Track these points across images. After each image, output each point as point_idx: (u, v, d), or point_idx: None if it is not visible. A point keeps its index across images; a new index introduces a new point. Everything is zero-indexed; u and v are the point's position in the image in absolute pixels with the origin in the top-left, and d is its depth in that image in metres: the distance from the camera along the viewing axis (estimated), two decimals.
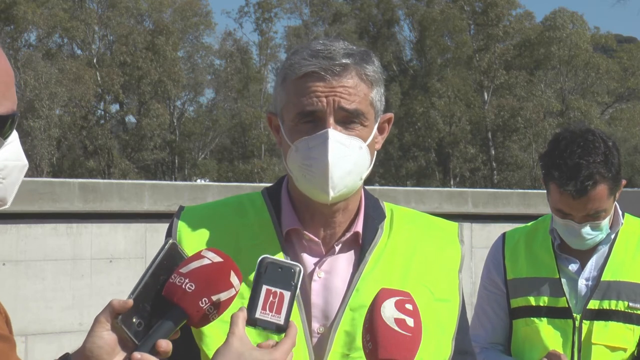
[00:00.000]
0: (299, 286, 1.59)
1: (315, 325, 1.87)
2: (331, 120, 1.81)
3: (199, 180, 40.71)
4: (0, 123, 1.58)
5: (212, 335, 1.82)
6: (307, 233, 1.90)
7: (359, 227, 1.93)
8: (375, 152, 1.92)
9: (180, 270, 1.58)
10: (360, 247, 1.92)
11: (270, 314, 1.56)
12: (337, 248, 1.91)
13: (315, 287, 1.88)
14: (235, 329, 1.54)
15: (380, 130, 1.93)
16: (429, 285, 1.91)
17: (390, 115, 1.95)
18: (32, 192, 5.90)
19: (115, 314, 1.56)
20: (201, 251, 1.62)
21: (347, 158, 1.81)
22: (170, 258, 1.63)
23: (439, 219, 2.08)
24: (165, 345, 1.55)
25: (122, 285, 6.12)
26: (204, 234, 1.90)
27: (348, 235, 1.92)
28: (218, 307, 1.58)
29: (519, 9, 49.49)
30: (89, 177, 38.69)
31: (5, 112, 1.58)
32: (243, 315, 1.56)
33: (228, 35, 50.57)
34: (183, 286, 1.56)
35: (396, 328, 1.63)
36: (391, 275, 1.90)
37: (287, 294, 1.57)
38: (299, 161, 1.83)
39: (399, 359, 1.61)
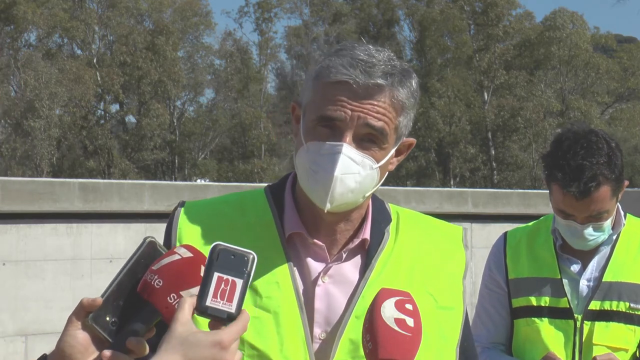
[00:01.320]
0: (252, 274, 1.55)
1: (317, 331, 1.84)
2: (349, 134, 1.77)
3: (199, 180, 40.71)
4: None
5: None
6: (313, 239, 1.87)
7: (366, 233, 1.90)
8: (387, 172, 1.88)
9: (152, 267, 1.58)
10: (367, 252, 1.89)
11: (222, 302, 1.51)
12: (345, 255, 1.88)
13: (319, 292, 1.85)
14: (179, 315, 1.50)
15: (398, 152, 1.89)
16: (432, 292, 1.89)
17: (412, 140, 1.91)
18: (32, 192, 5.90)
19: (85, 313, 1.55)
20: (174, 247, 1.62)
21: (354, 175, 1.78)
22: (148, 256, 1.62)
23: (444, 223, 2.05)
24: (135, 342, 1.53)
25: None
26: (205, 232, 1.88)
27: (356, 242, 1.89)
28: None
29: (519, 9, 49.56)
30: (89, 177, 38.69)
31: None
32: (191, 302, 1.51)
33: (228, 35, 50.62)
34: (152, 282, 1.55)
35: (396, 328, 1.62)
36: (397, 280, 1.86)
37: (239, 282, 1.52)
38: (307, 163, 1.80)
39: (398, 358, 1.61)
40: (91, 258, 6.14)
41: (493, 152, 46.58)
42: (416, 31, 50.00)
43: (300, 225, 1.88)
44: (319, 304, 1.85)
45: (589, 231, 2.75)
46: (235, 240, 1.79)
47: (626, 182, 2.78)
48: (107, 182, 6.53)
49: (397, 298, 1.66)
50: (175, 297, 1.55)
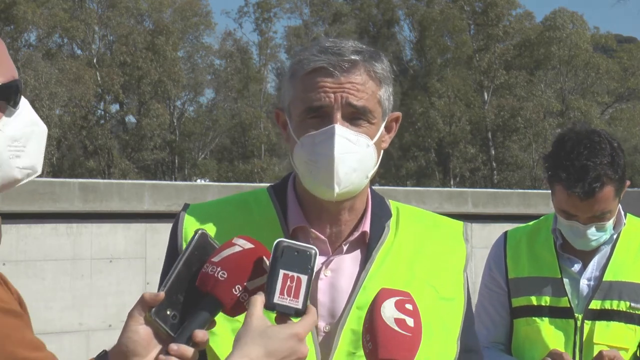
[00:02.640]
0: (315, 269, 1.59)
1: (322, 324, 1.86)
2: (338, 115, 1.80)
3: (199, 180, 40.71)
4: (6, 92, 1.57)
5: (221, 333, 1.81)
6: (314, 231, 1.89)
7: (366, 226, 1.92)
8: (382, 151, 1.91)
9: (212, 260, 1.59)
10: (367, 245, 1.91)
11: (289, 298, 1.55)
12: (345, 247, 1.91)
13: (322, 285, 1.88)
14: (253, 311, 1.54)
15: (388, 129, 1.93)
16: (434, 284, 1.91)
17: (397, 114, 1.94)
18: (32, 192, 5.90)
19: (147, 308, 1.57)
20: (232, 239, 1.63)
21: (353, 155, 1.80)
22: (201, 248, 1.63)
23: (445, 218, 2.08)
24: (202, 335, 1.56)
25: (121, 285, 6.12)
26: (210, 233, 1.87)
27: (356, 234, 1.91)
28: (253, 294, 1.58)
29: (519, 9, 49.51)
30: (89, 177, 38.68)
31: (7, 80, 1.58)
32: (262, 299, 1.56)
33: (228, 35, 50.60)
34: (215, 275, 1.57)
35: (396, 328, 1.63)
36: (397, 273, 1.89)
37: (304, 278, 1.56)
38: (305, 157, 1.82)
39: (399, 358, 1.61)
40: (91, 258, 6.13)
41: (493, 152, 46.57)
42: (416, 31, 49.97)
43: (303, 219, 1.91)
44: (322, 297, 1.87)
45: (591, 231, 2.75)
46: None
47: (628, 182, 2.78)
48: (107, 182, 6.53)
49: (397, 298, 1.67)
50: (240, 288, 1.57)
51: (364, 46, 1.88)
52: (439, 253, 1.96)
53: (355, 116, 1.82)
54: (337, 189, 1.80)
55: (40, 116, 1.67)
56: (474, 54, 47.56)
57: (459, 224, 2.06)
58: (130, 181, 7.44)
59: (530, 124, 44.96)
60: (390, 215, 1.98)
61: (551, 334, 2.80)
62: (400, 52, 50.87)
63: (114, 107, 47.23)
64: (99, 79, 43.09)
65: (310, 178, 1.84)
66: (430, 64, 48.65)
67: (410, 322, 1.64)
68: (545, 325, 2.82)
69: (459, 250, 2.00)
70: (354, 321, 1.84)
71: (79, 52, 46.28)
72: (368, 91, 1.83)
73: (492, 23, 47.09)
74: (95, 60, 44.24)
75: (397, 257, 1.92)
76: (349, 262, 1.91)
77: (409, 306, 1.67)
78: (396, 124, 1.95)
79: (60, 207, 6.02)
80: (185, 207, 1.97)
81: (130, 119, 47.13)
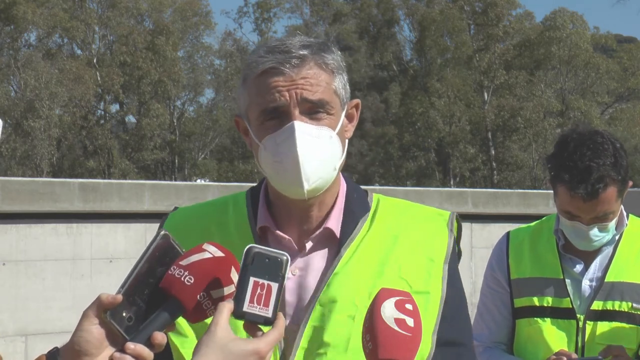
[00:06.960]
0: (286, 276, 1.55)
1: (288, 323, 1.82)
2: (296, 112, 1.79)
3: (199, 180, 40.70)
4: None
5: (191, 336, 1.81)
6: (278, 232, 1.88)
7: (330, 223, 1.89)
8: (347, 141, 1.89)
9: (180, 263, 1.56)
10: (338, 242, 1.88)
11: (258, 307, 1.52)
12: (308, 246, 1.88)
13: (290, 285, 1.85)
14: (219, 319, 1.51)
15: (349, 117, 1.90)
16: (407, 277, 1.86)
17: (356, 101, 1.93)
18: (32, 192, 5.90)
19: (103, 309, 1.55)
20: (202, 244, 1.60)
21: (318, 149, 1.79)
22: (162, 249, 1.60)
23: (431, 209, 2.02)
24: (161, 337, 1.53)
25: None
26: (184, 234, 1.86)
27: (318, 232, 1.89)
28: (216, 303, 1.55)
29: (519, 9, 49.52)
30: (89, 177, 38.68)
31: None
32: (229, 307, 1.52)
33: (228, 35, 50.61)
34: (182, 279, 1.54)
35: (396, 328, 1.62)
36: (366, 269, 1.86)
37: (274, 286, 1.53)
38: (270, 159, 1.81)
39: (399, 358, 1.61)
40: (91, 258, 6.13)
41: (493, 152, 46.57)
42: (416, 31, 49.96)
43: (268, 219, 1.89)
44: (289, 296, 1.85)
45: (594, 232, 2.74)
46: (210, 237, 1.74)
47: (630, 183, 2.78)
48: (107, 182, 6.53)
49: (397, 298, 1.66)
50: (205, 296, 1.55)
51: (312, 39, 1.86)
52: (417, 245, 1.91)
53: (313, 110, 1.80)
54: (306, 186, 1.79)
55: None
56: (473, 54, 47.56)
57: (445, 214, 1.99)
58: (130, 181, 7.44)
59: (530, 124, 44.96)
60: (367, 210, 1.94)
61: (553, 335, 2.80)
62: (400, 52, 50.87)
63: (114, 107, 47.28)
64: (99, 79, 43.10)
65: (277, 179, 1.83)
66: (430, 64, 48.66)
67: (410, 322, 1.63)
68: (547, 326, 2.82)
69: (440, 240, 1.93)
70: (317, 318, 1.82)
71: (79, 52, 46.31)
72: (322, 83, 1.81)
73: (492, 23, 47.08)
74: (95, 60, 44.24)
75: (367, 253, 1.88)
76: (317, 259, 1.88)
77: (409, 306, 1.66)
78: (357, 110, 1.93)
79: (60, 207, 6.02)
80: (174, 210, 1.99)
81: (130, 119, 47.17)
